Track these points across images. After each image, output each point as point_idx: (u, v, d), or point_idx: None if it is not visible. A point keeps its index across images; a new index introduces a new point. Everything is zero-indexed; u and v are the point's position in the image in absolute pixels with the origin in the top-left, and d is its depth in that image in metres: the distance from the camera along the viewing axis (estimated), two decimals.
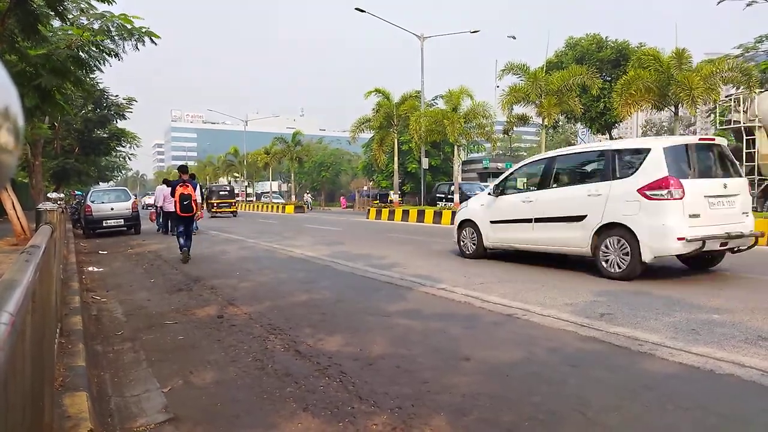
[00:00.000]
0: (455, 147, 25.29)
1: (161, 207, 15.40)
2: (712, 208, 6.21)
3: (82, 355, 3.41)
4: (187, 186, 9.50)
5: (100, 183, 37.27)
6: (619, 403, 2.84)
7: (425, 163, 26.76)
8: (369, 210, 25.66)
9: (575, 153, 7.98)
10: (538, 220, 7.44)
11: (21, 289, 1.27)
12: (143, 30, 9.13)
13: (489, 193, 8.51)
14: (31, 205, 14.85)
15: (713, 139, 6.95)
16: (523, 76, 19.90)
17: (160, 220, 16.21)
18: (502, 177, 8.48)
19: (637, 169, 6.41)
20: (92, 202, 15.86)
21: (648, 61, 17.40)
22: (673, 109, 17.22)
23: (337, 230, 16.47)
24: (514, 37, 24.86)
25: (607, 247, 6.49)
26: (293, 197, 44.43)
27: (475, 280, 6.60)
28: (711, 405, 2.81)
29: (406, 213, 21.01)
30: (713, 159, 6.73)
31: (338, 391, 3.11)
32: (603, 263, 6.53)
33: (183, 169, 10.01)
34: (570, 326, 4.36)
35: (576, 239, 6.88)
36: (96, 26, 9.29)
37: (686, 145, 6.76)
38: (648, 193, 6.17)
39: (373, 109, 29.38)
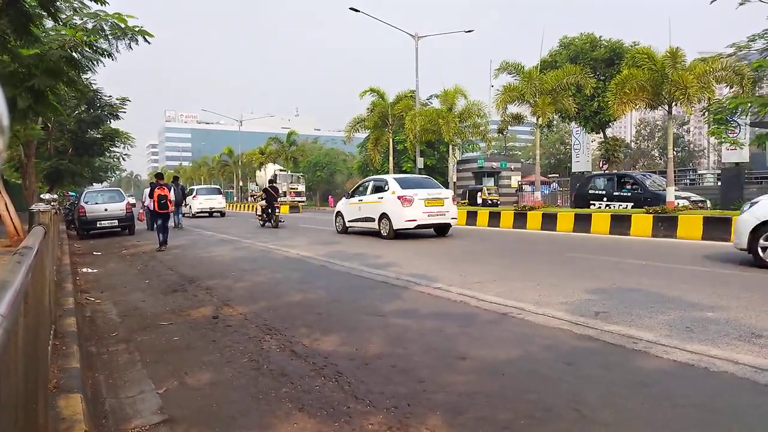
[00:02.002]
0: (450, 146, 25.30)
1: (148, 206, 16.56)
2: (205, 202, 26.68)
3: (77, 357, 3.39)
4: (164, 188, 11.93)
5: (94, 184, 37.04)
6: (614, 400, 2.85)
7: (420, 162, 26.78)
8: None
9: None
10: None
11: (12, 290, 1.26)
12: (137, 29, 9.10)
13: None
14: (25, 207, 14.74)
15: (216, 187, 30.71)
16: (517, 75, 19.90)
17: (148, 218, 17.34)
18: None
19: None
20: (86, 203, 15.80)
21: (642, 59, 17.41)
22: (667, 108, 17.28)
23: (333, 230, 16.43)
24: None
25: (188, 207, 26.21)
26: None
27: (470, 279, 6.61)
28: (705, 402, 2.83)
29: None
30: (210, 191, 27.10)
31: (334, 391, 3.10)
32: None
33: (159, 175, 12.81)
34: (565, 324, 4.37)
35: None
36: (89, 26, 9.25)
37: (198, 188, 28.64)
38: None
39: (368, 108, 29.31)
